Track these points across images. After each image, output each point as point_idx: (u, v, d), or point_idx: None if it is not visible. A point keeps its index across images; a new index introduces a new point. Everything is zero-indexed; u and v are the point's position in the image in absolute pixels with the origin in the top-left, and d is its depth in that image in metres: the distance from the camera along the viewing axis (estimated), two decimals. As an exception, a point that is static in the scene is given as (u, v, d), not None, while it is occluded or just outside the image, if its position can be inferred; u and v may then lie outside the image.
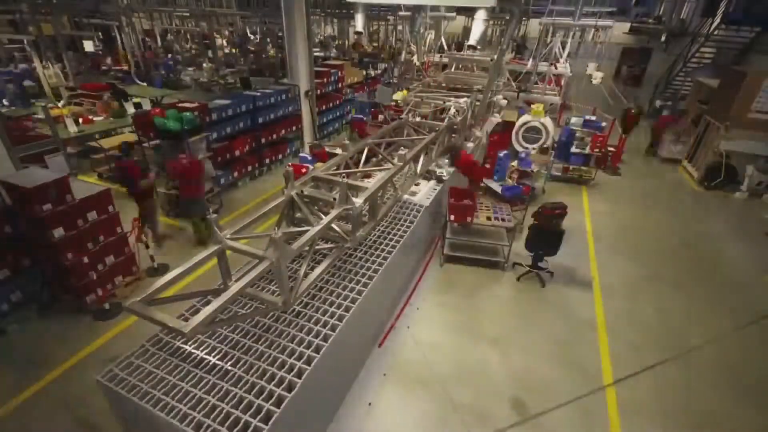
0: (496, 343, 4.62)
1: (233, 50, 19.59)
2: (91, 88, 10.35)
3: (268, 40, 21.06)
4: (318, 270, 3.66)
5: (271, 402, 2.56)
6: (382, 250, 4.27)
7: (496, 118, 9.13)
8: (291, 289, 3.17)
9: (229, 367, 2.82)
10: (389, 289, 4.63)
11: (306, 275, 3.48)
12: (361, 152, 5.16)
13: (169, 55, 17.90)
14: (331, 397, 3.57)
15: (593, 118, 9.08)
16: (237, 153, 8.06)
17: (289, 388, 2.66)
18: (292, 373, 2.78)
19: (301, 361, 2.88)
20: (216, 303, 2.59)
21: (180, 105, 7.28)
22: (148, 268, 5.61)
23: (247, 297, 3.31)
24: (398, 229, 4.66)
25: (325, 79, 10.66)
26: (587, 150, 8.68)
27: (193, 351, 2.95)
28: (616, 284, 5.78)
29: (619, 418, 3.85)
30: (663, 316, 5.24)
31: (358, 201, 3.81)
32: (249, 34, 23.87)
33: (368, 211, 4.29)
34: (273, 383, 2.70)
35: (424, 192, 5.64)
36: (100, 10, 15.28)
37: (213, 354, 2.93)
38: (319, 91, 10.21)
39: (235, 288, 2.73)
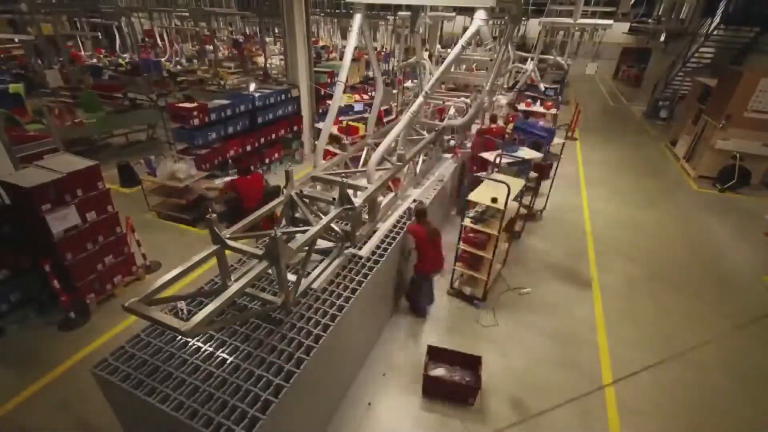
0: (495, 343, 4.62)
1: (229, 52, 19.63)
2: (104, 88, 10.32)
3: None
4: (317, 270, 3.67)
5: (268, 392, 2.54)
6: (382, 242, 4.27)
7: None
8: (290, 288, 3.18)
9: (226, 356, 2.80)
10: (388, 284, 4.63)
11: (305, 275, 3.49)
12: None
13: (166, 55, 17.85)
14: (329, 393, 3.57)
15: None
16: (232, 153, 8.04)
17: (287, 378, 2.65)
18: (290, 363, 2.76)
19: (300, 350, 2.87)
20: (216, 303, 2.59)
21: (179, 105, 7.29)
22: (141, 265, 5.58)
23: (247, 297, 3.30)
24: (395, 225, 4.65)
25: (329, 80, 10.67)
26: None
27: (188, 340, 2.93)
28: (615, 284, 5.79)
29: (619, 417, 3.86)
30: (662, 315, 5.24)
31: (358, 201, 3.81)
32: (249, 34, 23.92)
33: (368, 211, 4.30)
34: (271, 372, 2.68)
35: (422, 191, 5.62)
36: (100, 9, 15.27)
37: (209, 343, 2.92)
38: (322, 92, 10.25)
39: (234, 288, 2.73)
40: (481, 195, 4.84)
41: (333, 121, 5.08)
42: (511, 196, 4.52)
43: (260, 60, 17.60)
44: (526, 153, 6.39)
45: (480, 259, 4.98)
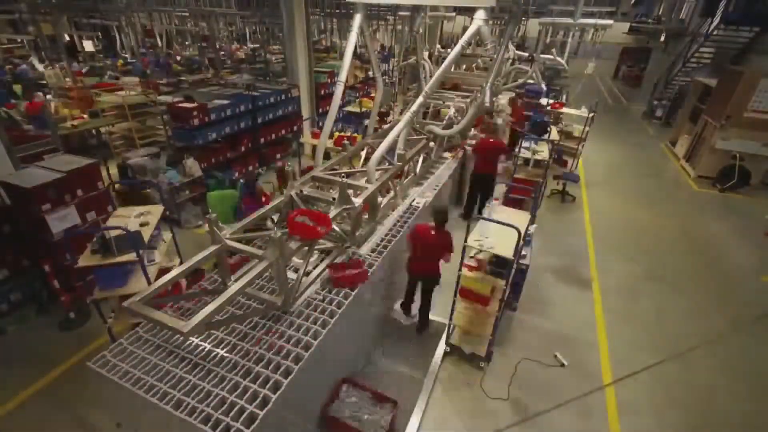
0: (497, 342, 4.61)
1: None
2: (104, 88, 10.33)
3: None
4: (318, 269, 3.67)
5: (267, 388, 2.54)
6: (381, 240, 4.26)
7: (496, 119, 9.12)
8: (290, 288, 3.18)
9: (225, 354, 2.80)
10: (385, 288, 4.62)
11: (305, 274, 3.49)
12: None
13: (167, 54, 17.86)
14: (327, 389, 3.56)
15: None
16: (230, 154, 8.05)
17: (287, 374, 2.65)
18: (289, 359, 2.76)
19: (299, 346, 2.86)
20: (215, 303, 2.59)
21: (179, 105, 7.29)
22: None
23: (247, 296, 3.30)
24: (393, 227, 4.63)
25: (329, 80, 10.69)
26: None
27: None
28: (615, 284, 5.79)
29: (618, 417, 3.86)
30: (662, 315, 5.24)
31: (358, 201, 3.82)
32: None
33: (368, 211, 4.30)
34: (270, 369, 2.68)
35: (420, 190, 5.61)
36: (100, 9, 15.26)
37: (208, 340, 2.91)
38: (322, 92, 10.27)
39: (234, 288, 2.73)
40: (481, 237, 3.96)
41: (333, 120, 5.09)
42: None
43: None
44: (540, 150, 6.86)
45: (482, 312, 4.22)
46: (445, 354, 4.39)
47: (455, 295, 4.11)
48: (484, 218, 3.91)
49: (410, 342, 4.56)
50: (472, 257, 4.16)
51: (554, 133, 8.24)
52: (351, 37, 4.93)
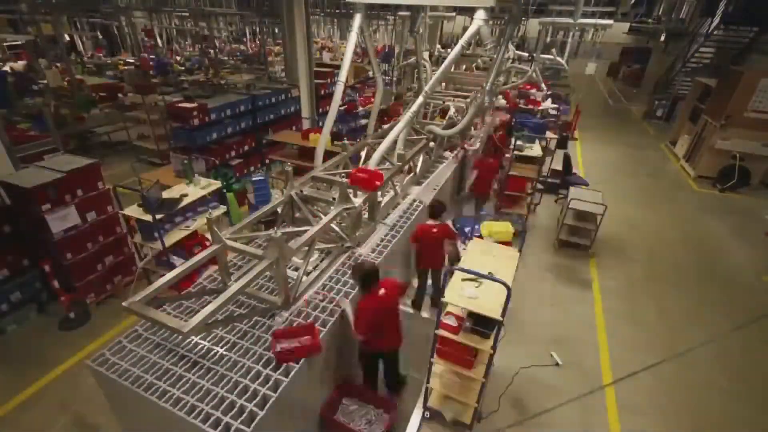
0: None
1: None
2: (106, 87, 10.36)
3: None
4: (317, 270, 3.67)
5: (267, 387, 2.54)
6: (381, 240, 4.25)
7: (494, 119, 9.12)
8: (290, 287, 3.18)
9: (224, 352, 2.80)
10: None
11: (305, 274, 3.49)
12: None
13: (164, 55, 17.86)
14: (326, 388, 3.56)
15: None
16: (233, 153, 8.07)
17: (286, 373, 2.65)
18: None
19: (299, 345, 2.86)
20: (216, 303, 2.59)
21: (179, 105, 7.29)
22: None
23: (247, 296, 3.30)
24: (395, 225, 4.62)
25: (329, 80, 10.69)
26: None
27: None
28: (615, 284, 5.79)
29: (619, 417, 3.86)
30: (662, 315, 5.24)
31: (358, 201, 3.82)
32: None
33: (368, 211, 4.30)
34: (269, 368, 2.68)
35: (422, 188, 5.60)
36: (100, 9, 15.25)
37: (208, 338, 2.91)
38: (322, 92, 10.26)
39: (234, 288, 2.73)
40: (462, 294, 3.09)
41: (333, 121, 5.09)
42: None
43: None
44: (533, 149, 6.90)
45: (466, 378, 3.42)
46: (424, 419, 3.67)
47: (431, 356, 3.33)
48: (464, 270, 3.05)
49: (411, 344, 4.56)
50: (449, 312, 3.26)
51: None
52: (351, 37, 4.93)
